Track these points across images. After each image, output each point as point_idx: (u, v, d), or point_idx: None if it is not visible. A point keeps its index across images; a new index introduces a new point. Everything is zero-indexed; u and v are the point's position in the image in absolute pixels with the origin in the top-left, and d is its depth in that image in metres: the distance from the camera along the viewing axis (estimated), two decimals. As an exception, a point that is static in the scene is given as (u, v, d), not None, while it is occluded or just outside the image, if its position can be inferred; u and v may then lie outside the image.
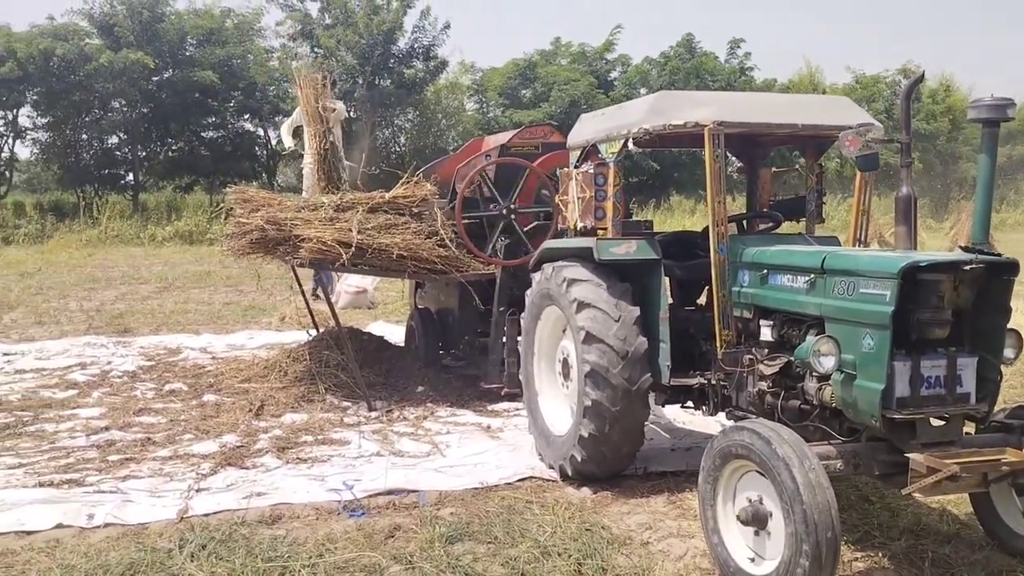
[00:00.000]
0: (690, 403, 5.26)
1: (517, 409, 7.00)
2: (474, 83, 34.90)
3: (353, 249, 6.58)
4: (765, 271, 4.47)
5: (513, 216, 7.14)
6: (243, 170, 29.63)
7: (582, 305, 5.01)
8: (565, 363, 5.47)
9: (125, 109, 27.83)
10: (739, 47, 35.42)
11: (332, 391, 7.24)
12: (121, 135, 28.85)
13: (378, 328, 10.63)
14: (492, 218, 7.18)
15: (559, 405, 5.64)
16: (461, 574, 3.99)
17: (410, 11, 29.06)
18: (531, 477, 5.35)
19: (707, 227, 5.02)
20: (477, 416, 6.81)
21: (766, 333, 4.48)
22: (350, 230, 6.70)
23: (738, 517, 3.77)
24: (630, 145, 4.86)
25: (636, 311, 5.01)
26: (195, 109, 28.46)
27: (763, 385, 4.49)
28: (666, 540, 4.40)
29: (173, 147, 30.27)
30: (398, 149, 32.75)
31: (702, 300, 5.53)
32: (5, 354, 9.37)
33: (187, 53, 28.09)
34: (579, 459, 5.06)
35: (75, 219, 24.81)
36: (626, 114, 5.04)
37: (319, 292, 12.60)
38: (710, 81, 33.62)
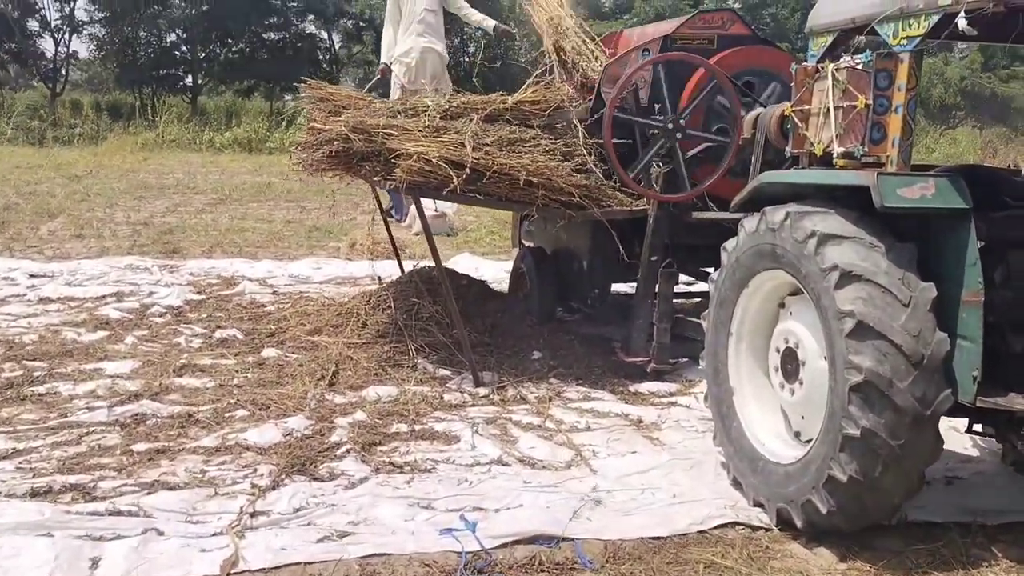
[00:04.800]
0: (991, 432, 3.48)
1: (669, 393, 5.29)
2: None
3: (467, 171, 4.82)
4: None
5: (680, 135, 5.28)
6: (304, 75, 27.86)
7: (848, 277, 3.21)
8: (789, 356, 3.70)
9: (184, 4, 26.14)
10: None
11: (425, 353, 5.58)
12: (180, 33, 27.25)
13: (464, 262, 8.97)
14: (651, 136, 5.33)
15: (770, 413, 3.90)
16: None
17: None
18: (735, 523, 3.64)
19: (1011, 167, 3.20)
20: (620, 402, 5.09)
21: None
22: (463, 144, 4.92)
23: None
24: (961, 23, 2.93)
25: (932, 291, 3.20)
26: (257, 8, 26.67)
27: None
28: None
29: (233, 48, 28.62)
30: (467, 59, 30.91)
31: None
32: (32, 275, 7.90)
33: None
34: (822, 509, 3.32)
35: (131, 121, 23.53)
36: (946, -27, 3.13)
37: (397, 215, 10.98)
38: (811, -4, 30.63)
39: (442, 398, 5.02)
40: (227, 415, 4.63)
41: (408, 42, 8.47)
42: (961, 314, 3.22)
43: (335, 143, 5.12)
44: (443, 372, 5.39)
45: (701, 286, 6.69)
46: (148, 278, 7.99)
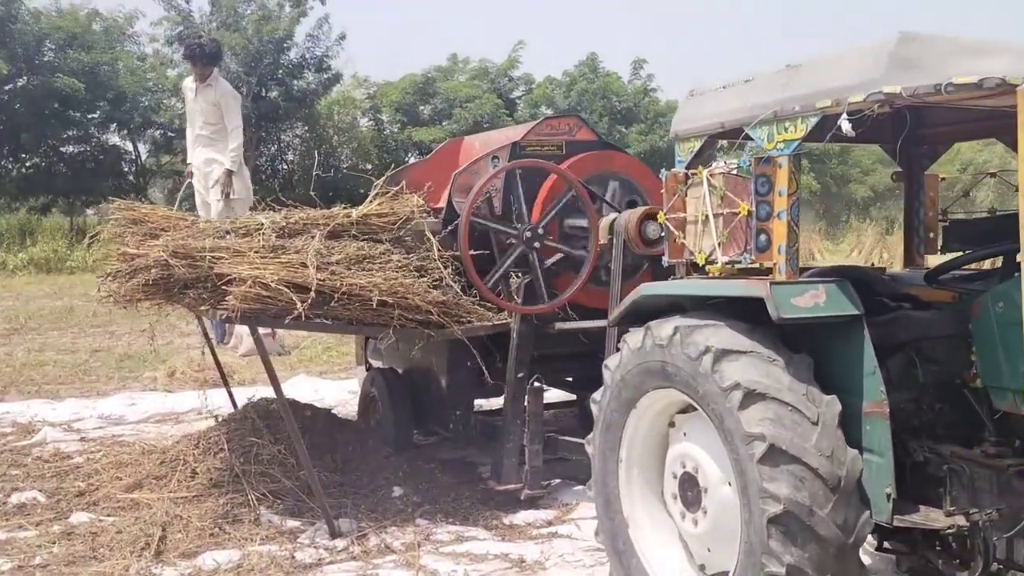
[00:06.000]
0: (904, 551, 3.28)
1: (548, 522, 4.87)
2: (368, 97, 32.69)
3: (312, 294, 4.31)
4: None
5: (538, 244, 5.02)
6: (107, 189, 26.19)
7: (752, 396, 2.95)
8: (688, 482, 3.39)
9: (-29, 119, 24.12)
10: (642, 67, 34.45)
11: (269, 503, 4.88)
12: (-34, 149, 25.04)
13: (302, 386, 8.28)
14: (508, 246, 5.05)
15: (671, 546, 3.55)
16: None
17: (304, 20, 26.72)
18: None
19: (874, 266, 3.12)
20: (497, 540, 4.61)
21: None
22: (305, 264, 4.41)
23: None
24: (845, 125, 2.82)
25: (837, 404, 3.01)
26: (54, 121, 24.98)
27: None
28: None
29: (27, 163, 26.59)
30: (285, 167, 30.36)
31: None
32: None
33: (46, 58, 24.68)
34: (749, 660, 2.97)
35: (-87, 243, 21.18)
36: (821, 75, 3.03)
37: (218, 337, 10.08)
38: (616, 101, 32.48)
39: (293, 557, 4.35)
40: (26, 611, 3.76)
41: (194, 154, 7.79)
42: (865, 427, 3.03)
43: (153, 270, 4.48)
44: (292, 524, 4.72)
45: (558, 393, 6.42)
46: (-78, 433, 6.79)
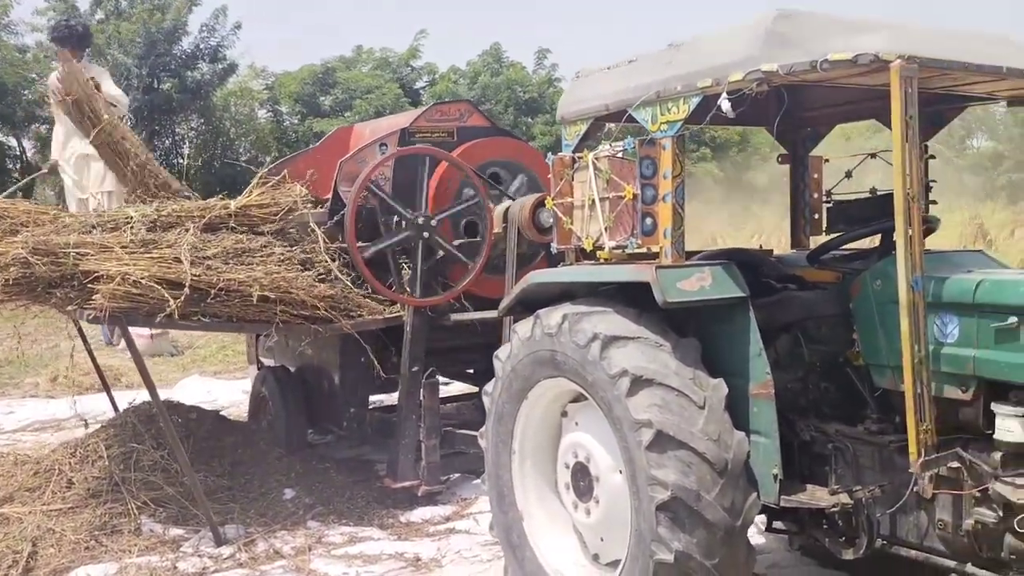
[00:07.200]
0: (794, 530, 3.29)
1: (445, 518, 4.76)
2: (267, 88, 31.80)
3: (187, 291, 4.06)
4: (1014, 320, 2.59)
5: (428, 233, 4.87)
6: (-10, 186, 24.82)
7: (639, 382, 2.90)
8: (581, 471, 3.32)
9: None
10: (546, 57, 34.53)
11: (150, 512, 4.61)
12: None
13: (193, 387, 7.93)
14: (400, 237, 4.88)
15: (565, 537, 3.49)
16: None
17: (197, 9, 25.74)
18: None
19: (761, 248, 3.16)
20: (392, 539, 4.47)
21: (1009, 428, 2.59)
22: (178, 259, 4.17)
23: None
24: (724, 104, 2.77)
25: (724, 387, 2.98)
26: (-74, 116, 23.46)
27: (988, 517, 2.60)
28: None
29: (-102, 160, 24.91)
30: (181, 161, 29.30)
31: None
32: None
33: (-85, 52, 23.09)
34: (641, 650, 2.92)
35: None
36: (702, 54, 2.98)
37: (106, 337, 9.57)
38: (520, 92, 32.47)
39: (175, 568, 4.12)
40: None
41: (66, 147, 7.17)
42: (752, 408, 3.02)
43: (12, 269, 4.15)
44: (175, 532, 4.47)
45: (460, 386, 6.31)
46: None
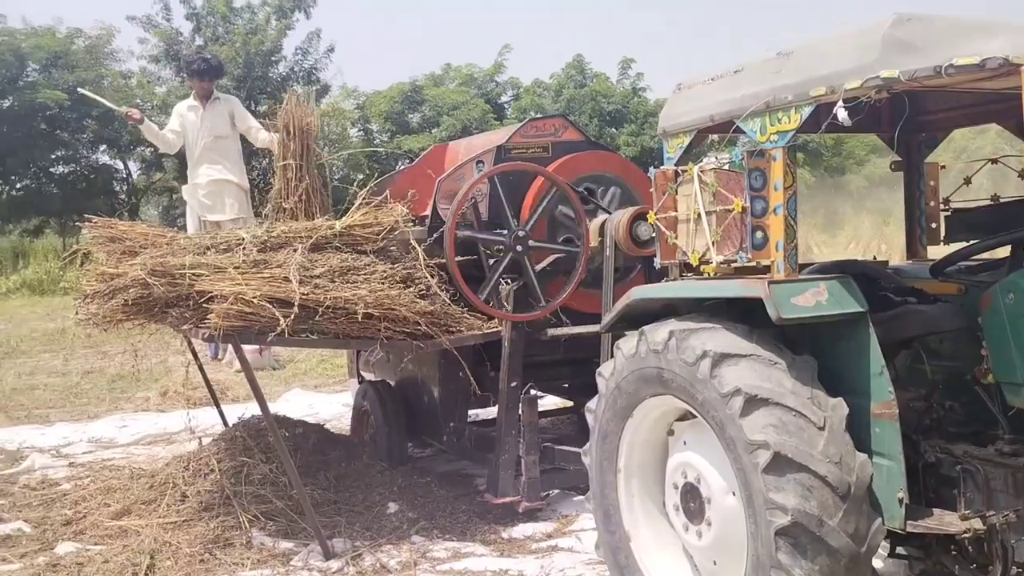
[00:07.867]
0: (918, 556, 3.14)
1: (547, 535, 4.73)
2: (357, 108, 32.56)
3: (296, 309, 4.17)
4: None
5: (520, 248, 4.88)
6: (99, 208, 25.97)
7: (753, 402, 2.82)
8: (691, 492, 3.25)
9: (-43, 145, 23.92)
10: (630, 67, 34.28)
11: (261, 525, 4.73)
12: (-46, 175, 24.88)
13: (296, 400, 8.16)
14: (496, 252, 4.91)
15: (674, 559, 3.41)
16: None
17: (291, 33, 26.67)
18: None
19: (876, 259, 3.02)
20: (496, 555, 4.46)
21: None
22: (287, 279, 4.28)
23: None
24: (841, 113, 2.69)
25: (844, 407, 2.87)
26: (41, 141, 24.83)
27: None
28: None
29: (17, 185, 26.42)
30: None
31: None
32: None
33: (29, 79, 24.50)
34: (761, 677, 2.83)
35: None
36: (813, 61, 2.89)
37: (212, 352, 9.90)
38: (605, 103, 32.33)
39: (286, 581, 4.21)
40: (6, 650, 3.62)
41: (198, 173, 7.03)
42: (874, 429, 2.90)
43: (131, 290, 4.33)
44: (285, 546, 4.57)
45: (553, 400, 6.30)
46: (-93, 464, 6.63)
